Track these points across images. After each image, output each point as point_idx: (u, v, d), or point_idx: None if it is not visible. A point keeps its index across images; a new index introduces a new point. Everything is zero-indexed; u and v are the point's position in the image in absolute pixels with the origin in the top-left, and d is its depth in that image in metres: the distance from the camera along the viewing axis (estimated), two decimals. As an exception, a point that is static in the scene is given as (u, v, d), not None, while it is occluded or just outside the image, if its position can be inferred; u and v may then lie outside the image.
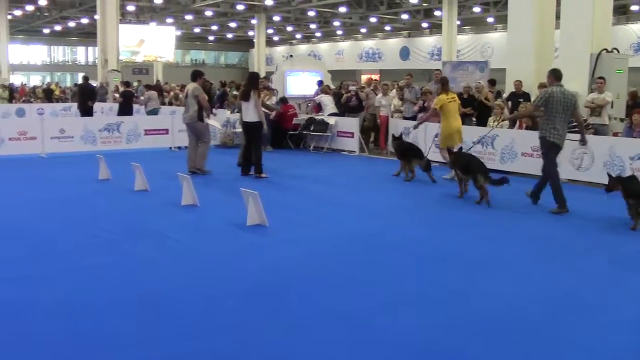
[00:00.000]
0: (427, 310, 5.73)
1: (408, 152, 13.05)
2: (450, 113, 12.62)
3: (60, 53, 61.26)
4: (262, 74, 37.92)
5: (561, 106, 9.85)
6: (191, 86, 13.21)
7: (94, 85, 25.96)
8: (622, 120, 14.28)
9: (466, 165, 10.84)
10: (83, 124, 17.08)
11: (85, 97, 21.68)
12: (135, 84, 30.11)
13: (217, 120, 16.93)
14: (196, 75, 13.46)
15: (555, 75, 10.14)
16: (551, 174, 10.11)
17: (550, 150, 10.09)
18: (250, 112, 12.93)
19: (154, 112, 19.71)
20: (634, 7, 35.54)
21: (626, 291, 6.36)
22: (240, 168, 13.49)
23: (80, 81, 28.39)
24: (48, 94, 34.24)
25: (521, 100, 15.14)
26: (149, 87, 23.91)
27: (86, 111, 21.38)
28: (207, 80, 17.74)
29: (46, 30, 53.78)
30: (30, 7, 41.91)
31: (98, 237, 8.14)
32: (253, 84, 13.17)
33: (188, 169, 13.03)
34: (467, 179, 10.90)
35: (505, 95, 16.63)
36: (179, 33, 49.14)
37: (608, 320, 5.59)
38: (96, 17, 30.12)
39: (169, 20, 47.03)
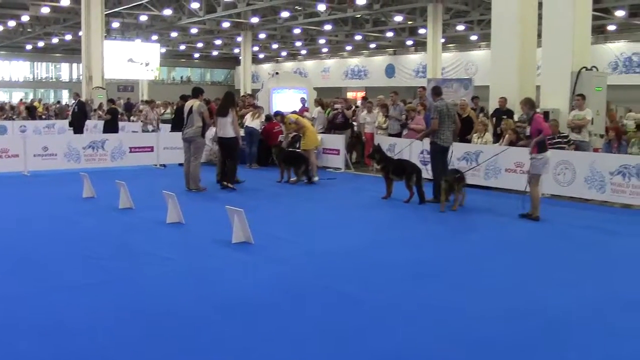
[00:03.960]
0: (415, 326, 5.81)
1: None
2: (308, 124, 15.98)
3: (43, 69, 61.13)
4: (249, 92, 38.30)
5: (447, 116, 12.05)
6: (195, 103, 13.43)
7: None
8: (601, 136, 14.55)
9: (400, 168, 12.49)
10: (67, 141, 17.05)
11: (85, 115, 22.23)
12: (120, 101, 30.37)
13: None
14: (197, 92, 13.78)
15: (436, 92, 12.39)
16: (437, 173, 12.05)
17: (439, 153, 12.15)
18: (227, 128, 13.49)
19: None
20: (611, 27, 36.43)
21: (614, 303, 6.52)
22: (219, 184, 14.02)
23: (67, 99, 28.47)
24: (31, 111, 34.15)
25: (504, 117, 15.35)
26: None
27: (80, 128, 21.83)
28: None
29: (29, 47, 53.73)
30: (12, 23, 41.85)
31: (82, 256, 8.15)
32: (231, 101, 13.94)
33: (188, 186, 13.32)
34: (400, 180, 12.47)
35: (490, 112, 16.85)
36: (164, 50, 49.27)
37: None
38: (80, 33, 30.17)
39: (155, 37, 47.16)
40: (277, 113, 17.58)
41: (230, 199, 11.58)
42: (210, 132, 14.89)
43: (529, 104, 10.98)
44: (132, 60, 39.91)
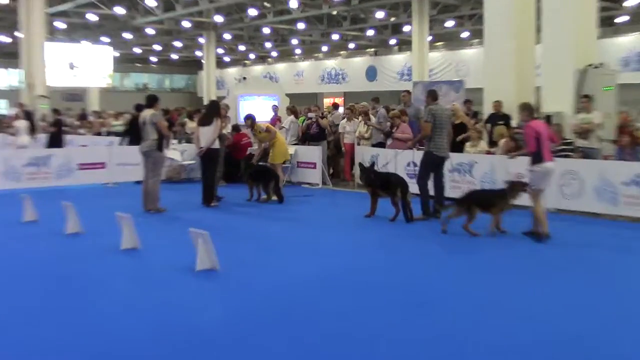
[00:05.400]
0: (399, 356, 5.74)
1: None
2: (278, 135, 16.17)
3: (-24, 76, 60.45)
4: (213, 99, 38.14)
5: (444, 122, 12.19)
6: (148, 112, 13.25)
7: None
8: (613, 142, 14.51)
9: (386, 182, 12.40)
10: (3, 158, 16.81)
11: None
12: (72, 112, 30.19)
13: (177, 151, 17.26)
14: (152, 101, 13.53)
15: (433, 96, 12.45)
16: (423, 184, 12.31)
17: (434, 163, 12.33)
18: (210, 139, 13.66)
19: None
20: (621, 19, 36.23)
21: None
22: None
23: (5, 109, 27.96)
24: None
25: (501, 122, 15.30)
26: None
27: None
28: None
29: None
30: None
31: (21, 290, 7.97)
32: (216, 110, 14.16)
33: (146, 207, 13.24)
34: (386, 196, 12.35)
35: (484, 117, 16.83)
36: (117, 54, 49.01)
37: None
38: (19, 34, 29.92)
39: (106, 39, 46.82)
40: (248, 117, 16.96)
41: (194, 221, 11.38)
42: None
43: (527, 110, 10.94)
44: (74, 66, 39.32)
